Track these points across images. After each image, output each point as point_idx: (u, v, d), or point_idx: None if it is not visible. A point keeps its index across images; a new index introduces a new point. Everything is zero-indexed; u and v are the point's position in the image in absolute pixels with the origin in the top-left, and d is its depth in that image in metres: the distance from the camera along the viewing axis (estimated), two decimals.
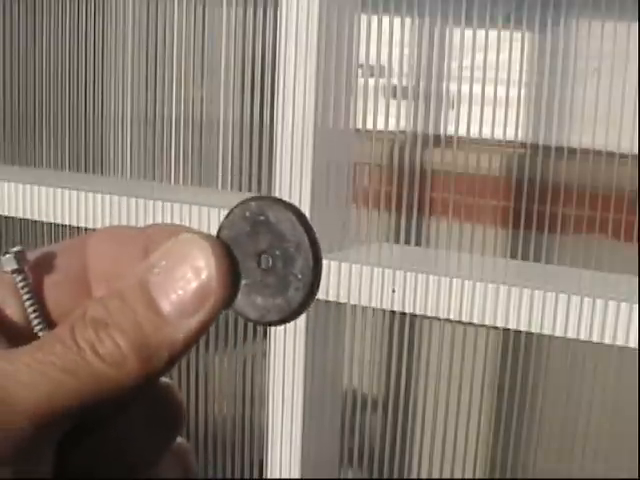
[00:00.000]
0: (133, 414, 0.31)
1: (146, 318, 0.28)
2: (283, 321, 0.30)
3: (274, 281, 0.29)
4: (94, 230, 0.33)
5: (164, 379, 0.32)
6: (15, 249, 0.30)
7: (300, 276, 0.29)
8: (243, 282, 0.29)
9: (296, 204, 0.30)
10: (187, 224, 1.10)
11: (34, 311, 0.30)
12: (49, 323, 0.31)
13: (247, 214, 0.30)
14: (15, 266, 0.30)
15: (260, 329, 1.27)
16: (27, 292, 0.30)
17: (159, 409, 0.32)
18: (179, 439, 0.33)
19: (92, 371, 0.28)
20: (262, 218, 0.29)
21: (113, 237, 0.31)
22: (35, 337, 0.30)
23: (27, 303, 0.30)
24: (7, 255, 0.30)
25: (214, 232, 0.30)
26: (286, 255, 0.29)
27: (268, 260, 0.29)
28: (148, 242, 0.30)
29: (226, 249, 0.29)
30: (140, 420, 0.32)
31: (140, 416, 0.32)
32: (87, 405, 0.28)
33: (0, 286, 0.31)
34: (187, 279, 0.28)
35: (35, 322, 0.30)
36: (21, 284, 0.30)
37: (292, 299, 0.29)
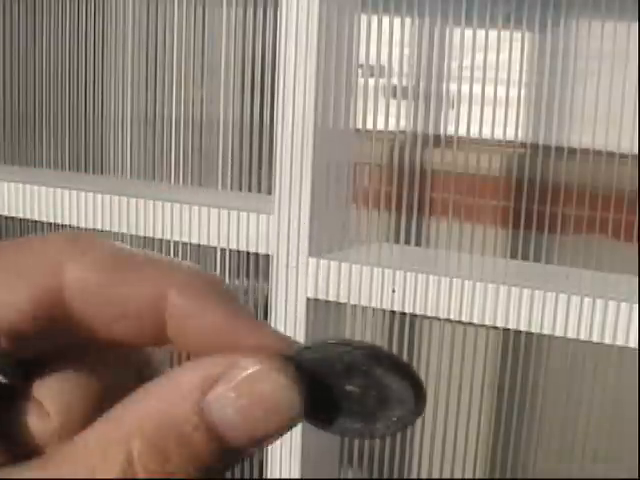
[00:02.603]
0: None
1: (209, 454, 0.25)
2: (357, 438, 0.28)
3: (358, 409, 0.26)
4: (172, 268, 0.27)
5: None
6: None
7: (395, 419, 0.26)
8: (320, 394, 0.26)
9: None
10: (187, 224, 1.10)
11: None
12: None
13: (345, 359, 0.26)
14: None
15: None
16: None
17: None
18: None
19: None
20: (365, 368, 0.26)
21: (141, 269, 0.26)
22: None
23: None
24: None
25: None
26: (384, 399, 0.26)
27: (357, 392, 0.26)
28: (235, 341, 0.26)
29: (301, 380, 0.25)
30: None
31: None
32: None
33: None
34: (263, 421, 0.25)
35: None
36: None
37: (376, 432, 0.27)
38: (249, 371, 0.25)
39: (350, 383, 0.26)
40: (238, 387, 0.25)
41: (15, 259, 0.26)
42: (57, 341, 0.26)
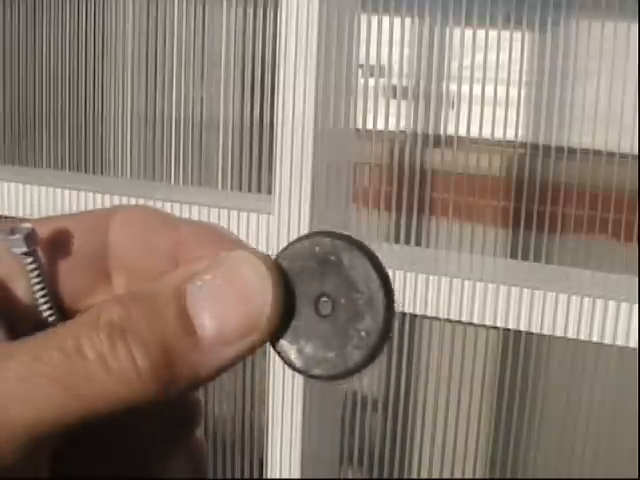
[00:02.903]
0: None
1: (175, 336, 0.24)
2: (332, 378, 0.26)
3: (331, 332, 0.25)
4: (118, 206, 0.28)
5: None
6: (25, 227, 0.27)
7: (364, 334, 0.25)
8: (293, 323, 0.26)
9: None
10: None
11: (44, 296, 0.27)
12: (61, 309, 0.27)
13: (316, 249, 0.26)
14: (24, 249, 0.26)
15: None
16: (37, 276, 0.27)
17: (174, 404, 0.29)
18: (196, 435, 0.30)
19: (97, 388, 0.24)
20: (333, 258, 0.25)
21: (141, 222, 0.27)
22: (44, 323, 0.27)
23: (36, 287, 0.27)
24: (16, 235, 0.26)
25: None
26: (353, 307, 0.25)
27: (328, 306, 0.25)
28: (180, 241, 0.27)
29: (285, 279, 0.25)
30: (153, 414, 0.28)
31: (153, 410, 0.28)
32: (89, 421, 0.24)
33: (9, 263, 0.27)
34: (234, 302, 0.24)
35: (44, 307, 0.27)
36: (31, 267, 0.27)
37: (349, 357, 0.25)
38: (230, 256, 0.25)
39: (321, 285, 0.25)
40: (216, 270, 0.25)
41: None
42: None
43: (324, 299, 0.26)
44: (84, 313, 0.25)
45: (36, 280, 0.27)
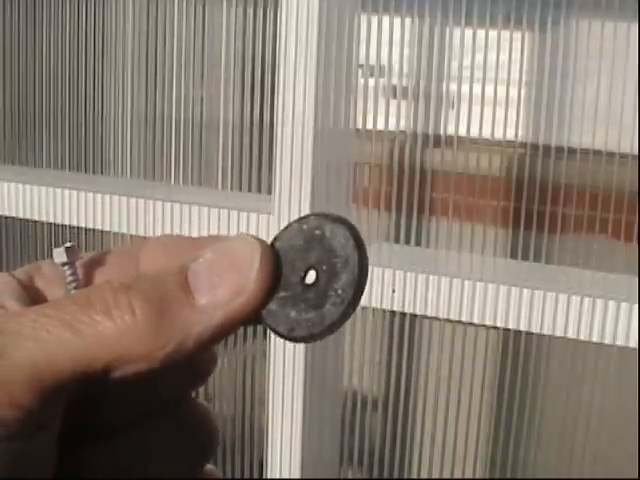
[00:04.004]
0: (162, 428, 0.30)
1: (173, 294, 0.27)
2: (312, 337, 0.28)
3: (313, 296, 0.28)
4: (150, 238, 0.32)
5: (201, 401, 0.31)
6: (68, 244, 0.30)
7: (340, 291, 0.28)
8: (281, 294, 0.28)
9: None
10: (187, 224, 1.10)
11: None
12: None
13: (304, 227, 0.29)
14: (65, 259, 0.30)
15: (260, 328, 1.27)
16: (74, 288, 0.30)
17: (191, 430, 0.31)
18: (210, 467, 0.32)
19: (98, 332, 0.26)
20: (318, 232, 0.29)
21: (164, 246, 0.31)
22: None
23: None
24: (60, 248, 0.30)
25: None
26: (332, 270, 0.28)
27: (313, 275, 0.28)
28: (199, 248, 0.29)
29: (274, 255, 0.28)
30: (168, 436, 0.30)
31: (169, 432, 0.30)
32: (94, 371, 0.26)
33: (49, 275, 0.30)
34: (226, 270, 0.27)
35: None
36: (69, 278, 0.30)
37: (327, 314, 0.28)
38: (229, 237, 0.29)
39: (308, 259, 0.28)
40: (215, 248, 0.28)
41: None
42: None
43: (311, 271, 0.28)
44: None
45: (73, 292, 0.30)
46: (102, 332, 0.26)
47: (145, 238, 0.31)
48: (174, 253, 0.30)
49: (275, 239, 0.29)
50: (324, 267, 0.28)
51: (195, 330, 0.27)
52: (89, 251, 0.32)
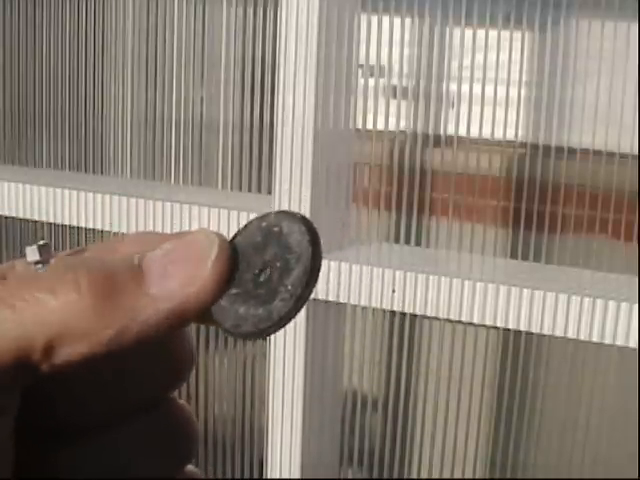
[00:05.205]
0: (140, 428, 0.29)
1: (123, 278, 0.26)
2: (258, 333, 0.28)
3: (264, 292, 0.28)
4: (125, 234, 0.32)
5: (179, 399, 0.31)
6: (41, 242, 0.29)
7: (290, 287, 0.27)
8: (233, 291, 0.28)
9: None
10: (187, 224, 1.10)
11: None
12: None
13: (263, 224, 0.28)
14: (37, 257, 0.29)
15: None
16: None
17: (169, 430, 0.30)
18: (190, 467, 0.31)
19: (39, 310, 0.25)
20: (276, 229, 0.28)
21: (141, 242, 0.30)
22: None
23: None
24: (32, 246, 0.29)
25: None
26: (285, 266, 0.28)
27: (267, 272, 0.28)
28: (165, 241, 0.29)
29: (232, 251, 0.28)
30: (146, 436, 0.29)
31: (147, 432, 0.29)
32: (35, 352, 0.25)
33: (22, 274, 0.29)
34: (181, 261, 0.27)
35: None
36: None
37: (274, 310, 0.27)
38: (190, 233, 0.28)
39: (264, 255, 0.28)
40: (174, 239, 0.28)
41: None
42: None
43: (266, 268, 0.28)
44: None
45: None
46: (43, 309, 0.25)
47: (122, 234, 0.31)
48: (147, 247, 0.29)
49: (235, 235, 0.29)
50: (278, 264, 0.28)
51: (141, 316, 0.26)
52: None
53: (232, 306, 0.28)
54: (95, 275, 0.26)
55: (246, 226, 0.29)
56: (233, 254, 0.28)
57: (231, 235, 0.29)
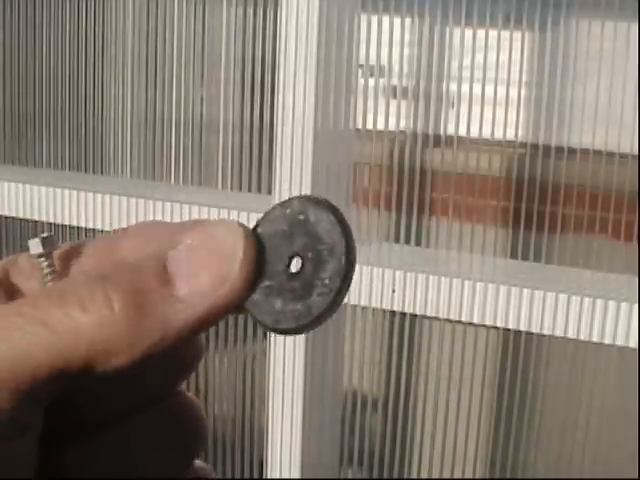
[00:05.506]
0: (148, 423, 0.29)
1: (151, 285, 0.26)
2: (299, 330, 0.27)
3: (299, 285, 0.27)
4: (131, 225, 0.30)
5: (188, 393, 0.30)
6: (44, 234, 0.29)
7: (328, 281, 0.26)
8: (266, 283, 0.27)
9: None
10: None
11: None
12: None
13: (287, 211, 0.27)
14: (41, 250, 0.28)
15: (260, 328, 1.27)
16: (51, 280, 0.28)
17: (178, 424, 0.29)
18: (200, 463, 0.31)
19: (74, 328, 0.25)
20: (302, 217, 0.27)
21: (146, 233, 0.29)
22: None
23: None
24: (35, 239, 0.28)
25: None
26: (318, 258, 0.26)
27: (298, 263, 0.27)
28: (180, 233, 0.28)
29: (257, 242, 0.27)
30: (155, 431, 0.29)
31: (155, 426, 0.29)
32: (72, 369, 0.25)
33: (25, 269, 0.29)
34: (208, 259, 0.26)
35: None
36: (46, 270, 0.28)
37: (314, 305, 0.26)
38: (208, 221, 0.27)
39: (293, 245, 0.27)
40: (194, 233, 0.26)
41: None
42: None
43: (296, 257, 0.27)
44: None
45: (50, 284, 0.28)
46: (78, 328, 0.25)
47: (125, 227, 0.29)
48: (156, 240, 0.28)
49: (257, 224, 0.28)
50: (309, 255, 0.27)
51: (176, 322, 0.26)
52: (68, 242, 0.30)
53: (267, 300, 0.27)
54: (124, 287, 0.25)
55: (267, 214, 0.28)
56: (260, 246, 0.27)
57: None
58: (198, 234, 0.26)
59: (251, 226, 0.27)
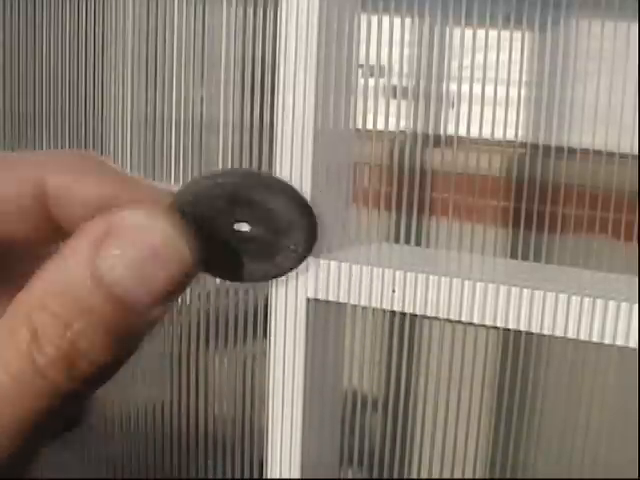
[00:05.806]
0: None
1: (106, 316, 0.24)
2: (265, 280, 0.27)
3: (257, 250, 0.27)
4: (52, 152, 0.28)
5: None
6: None
7: (293, 246, 0.26)
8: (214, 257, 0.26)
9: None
10: None
11: None
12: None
13: (219, 192, 0.26)
14: None
15: (260, 328, 1.27)
16: None
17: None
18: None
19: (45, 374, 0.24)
20: (246, 198, 0.26)
21: (74, 172, 0.26)
22: None
23: None
24: None
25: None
26: (275, 229, 0.26)
27: (247, 229, 0.26)
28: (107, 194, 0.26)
29: (193, 226, 0.25)
30: None
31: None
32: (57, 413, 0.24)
33: None
34: (153, 271, 0.24)
35: None
36: None
37: (280, 265, 0.27)
38: (131, 223, 0.25)
39: (237, 218, 0.26)
40: (123, 242, 0.24)
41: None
42: None
43: (243, 227, 0.26)
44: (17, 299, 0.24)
45: None
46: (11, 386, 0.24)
47: (46, 152, 0.27)
48: (81, 184, 0.26)
49: (184, 203, 0.26)
50: (263, 225, 0.26)
51: (144, 330, 0.25)
52: None
53: (223, 256, 0.26)
54: (88, 335, 0.24)
55: (194, 187, 0.26)
56: (200, 231, 0.25)
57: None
58: (126, 240, 0.25)
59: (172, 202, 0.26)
